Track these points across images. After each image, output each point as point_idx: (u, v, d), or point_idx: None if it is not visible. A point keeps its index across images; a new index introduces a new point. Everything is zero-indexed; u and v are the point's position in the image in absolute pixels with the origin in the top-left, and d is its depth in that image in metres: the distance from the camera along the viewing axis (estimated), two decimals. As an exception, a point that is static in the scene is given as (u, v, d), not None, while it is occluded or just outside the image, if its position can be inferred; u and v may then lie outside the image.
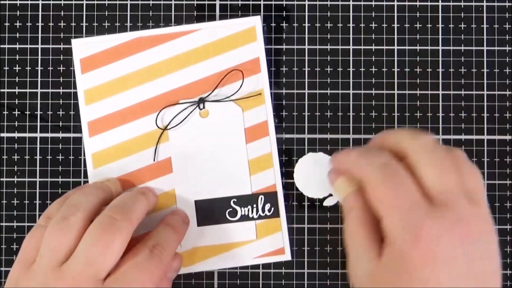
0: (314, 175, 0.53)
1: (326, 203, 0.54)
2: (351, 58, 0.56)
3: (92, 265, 0.44)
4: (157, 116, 0.55)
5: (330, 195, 0.54)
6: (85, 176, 0.55)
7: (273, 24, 0.57)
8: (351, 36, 0.56)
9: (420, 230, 0.38)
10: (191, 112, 0.55)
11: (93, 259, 0.44)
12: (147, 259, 0.46)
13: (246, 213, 0.53)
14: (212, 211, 0.54)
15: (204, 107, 0.55)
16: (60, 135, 0.56)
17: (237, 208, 0.54)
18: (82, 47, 0.56)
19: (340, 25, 0.56)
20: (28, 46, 0.56)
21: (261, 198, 0.53)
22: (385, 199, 0.40)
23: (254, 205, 0.53)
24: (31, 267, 0.45)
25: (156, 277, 0.46)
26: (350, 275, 0.42)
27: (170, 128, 0.55)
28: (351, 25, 0.57)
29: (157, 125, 0.54)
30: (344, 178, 0.45)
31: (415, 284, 0.37)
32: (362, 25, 0.56)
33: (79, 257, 0.44)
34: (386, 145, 0.44)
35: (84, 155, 0.56)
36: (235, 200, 0.53)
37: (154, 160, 0.55)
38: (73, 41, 0.56)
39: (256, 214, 0.54)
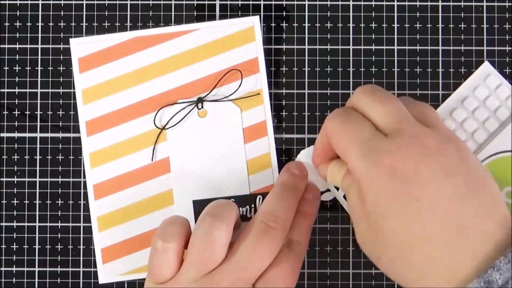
0: (313, 167, 0.52)
1: (324, 197, 0.53)
2: (351, 58, 0.55)
3: (247, 271, 0.43)
4: (155, 115, 0.53)
5: (328, 190, 0.52)
6: (85, 176, 0.54)
7: (273, 24, 0.55)
8: (351, 36, 0.55)
9: (380, 157, 0.39)
10: (190, 112, 0.53)
11: (248, 266, 0.43)
12: (287, 258, 0.45)
13: (244, 213, 0.52)
14: (210, 211, 0.53)
15: (202, 107, 0.53)
16: (60, 135, 0.54)
17: (236, 205, 0.51)
18: (80, 47, 0.54)
19: (340, 25, 0.55)
20: (28, 46, 0.55)
21: (259, 198, 0.52)
22: (343, 141, 0.41)
23: (252, 205, 0.52)
24: (175, 277, 0.44)
25: (297, 273, 0.45)
26: (361, 246, 0.43)
27: (168, 128, 0.53)
28: (351, 25, 0.55)
29: (155, 124, 0.53)
30: (333, 164, 0.45)
31: (400, 206, 0.38)
32: (362, 25, 0.55)
33: (233, 264, 0.43)
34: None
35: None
36: (233, 200, 0.51)
37: (152, 160, 0.53)
38: (71, 40, 0.54)
39: (255, 214, 0.51)
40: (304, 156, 0.52)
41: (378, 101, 0.41)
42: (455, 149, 0.39)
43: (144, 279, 0.47)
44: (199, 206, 0.51)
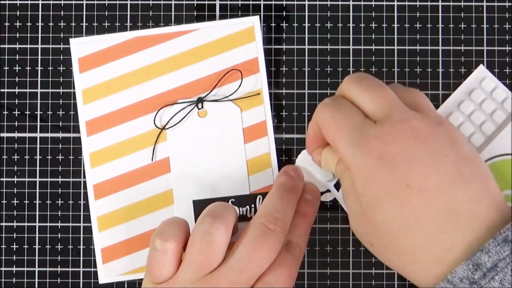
0: (314, 167, 0.52)
1: (324, 198, 0.52)
2: (351, 58, 0.54)
3: (246, 273, 0.42)
4: (155, 115, 0.53)
5: (328, 190, 0.52)
6: (85, 176, 0.53)
7: (273, 24, 0.55)
8: (351, 36, 0.55)
9: (368, 143, 0.39)
10: (190, 111, 0.53)
11: (247, 268, 0.42)
12: (285, 260, 0.44)
13: (244, 213, 0.51)
14: (210, 211, 0.52)
15: (202, 107, 0.53)
16: (60, 135, 0.54)
17: (235, 208, 0.51)
18: (80, 47, 0.54)
19: (340, 25, 0.55)
20: (28, 46, 0.55)
21: (259, 198, 0.51)
22: (332, 129, 0.41)
23: (252, 205, 0.51)
24: (173, 278, 0.44)
25: (295, 274, 0.45)
26: (355, 232, 0.43)
27: (168, 128, 0.53)
28: (351, 25, 0.55)
29: (155, 124, 0.53)
30: (326, 151, 0.45)
31: (389, 193, 0.38)
32: (362, 25, 0.55)
33: (232, 266, 0.43)
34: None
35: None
36: (233, 200, 0.51)
37: (152, 160, 0.53)
38: (71, 40, 0.54)
39: (255, 214, 0.51)
40: (304, 157, 0.52)
41: (366, 89, 0.41)
42: (446, 133, 0.39)
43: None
44: (199, 206, 0.51)
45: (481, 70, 0.53)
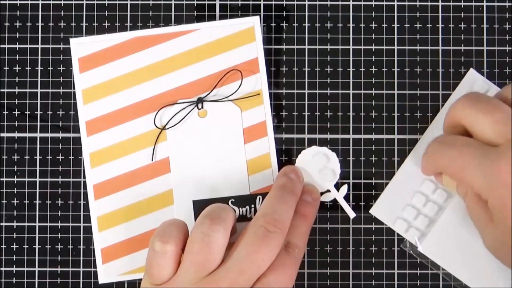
0: (314, 167, 0.52)
1: (324, 198, 0.52)
2: (351, 58, 0.54)
3: (245, 274, 0.43)
4: (156, 115, 0.53)
5: (328, 191, 0.52)
6: (85, 176, 0.53)
7: (273, 24, 0.54)
8: (351, 36, 0.54)
9: (500, 168, 0.39)
10: (190, 112, 0.53)
11: (247, 269, 0.43)
12: (285, 261, 0.45)
13: (244, 213, 0.51)
14: (210, 211, 0.53)
15: (202, 107, 0.53)
16: (60, 135, 0.54)
17: (235, 208, 0.52)
18: (81, 46, 0.53)
19: (340, 25, 0.54)
20: (28, 46, 0.54)
21: (259, 198, 0.51)
22: (456, 167, 0.42)
23: (252, 206, 0.51)
24: (172, 279, 0.44)
25: (294, 275, 0.45)
26: (494, 254, 0.44)
27: (168, 128, 0.53)
28: (351, 25, 0.54)
29: (155, 124, 0.53)
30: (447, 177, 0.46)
31: None
32: (362, 25, 0.54)
33: (232, 267, 0.43)
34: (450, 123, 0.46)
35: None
36: (233, 200, 0.51)
37: (152, 160, 0.53)
38: (71, 40, 0.54)
39: (254, 214, 0.51)
40: (304, 157, 0.52)
41: (484, 111, 0.41)
42: None
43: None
44: (199, 206, 0.51)
45: (472, 74, 0.52)
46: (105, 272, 0.52)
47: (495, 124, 0.40)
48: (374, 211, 0.52)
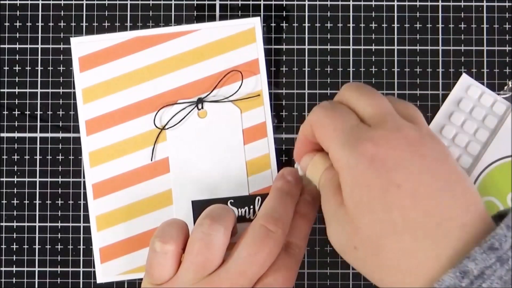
0: None
1: None
2: (351, 58, 0.54)
3: (246, 275, 0.42)
4: (155, 115, 0.53)
5: None
6: (85, 176, 0.53)
7: (273, 24, 0.54)
8: (351, 36, 0.54)
9: (362, 145, 0.38)
10: (190, 112, 0.52)
11: (247, 270, 0.42)
12: (285, 262, 0.45)
13: (243, 214, 0.51)
14: (209, 212, 0.52)
15: (202, 108, 0.53)
16: (60, 135, 0.54)
17: (234, 209, 0.52)
18: (81, 46, 0.53)
19: (340, 25, 0.54)
20: (28, 46, 0.54)
21: (258, 199, 0.51)
22: (327, 129, 0.41)
23: (251, 206, 0.51)
24: (173, 279, 0.44)
25: (295, 276, 0.45)
26: (335, 241, 0.41)
27: (168, 128, 0.53)
28: (351, 25, 0.54)
29: (155, 124, 0.53)
30: (318, 156, 0.45)
31: (381, 193, 0.37)
32: (362, 25, 0.54)
33: (233, 268, 0.43)
34: None
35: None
36: (232, 201, 0.51)
37: (151, 160, 0.53)
38: (72, 39, 0.53)
39: (253, 215, 0.52)
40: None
41: (364, 95, 0.41)
42: (437, 146, 0.39)
43: (142, 279, 0.47)
44: (198, 206, 0.51)
45: (465, 79, 0.52)
46: (104, 272, 0.52)
47: (371, 106, 0.40)
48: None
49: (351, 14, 0.54)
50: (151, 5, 0.54)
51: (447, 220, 0.36)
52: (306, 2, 0.54)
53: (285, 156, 0.53)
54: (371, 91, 0.42)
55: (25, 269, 0.53)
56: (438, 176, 0.38)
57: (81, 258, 0.53)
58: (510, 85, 0.53)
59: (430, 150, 0.38)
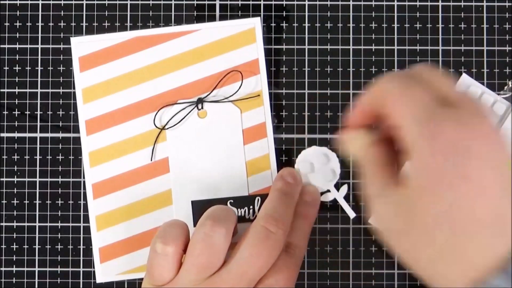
0: (314, 168, 0.52)
1: (324, 198, 0.52)
2: (351, 58, 0.54)
3: (247, 276, 0.42)
4: (155, 115, 0.52)
5: (328, 191, 0.52)
6: (85, 176, 0.53)
7: (273, 24, 0.54)
8: (351, 36, 0.54)
9: (439, 124, 0.35)
10: (190, 112, 0.52)
11: (248, 271, 0.42)
12: (286, 262, 0.45)
13: (243, 214, 0.51)
14: (209, 212, 0.52)
15: (202, 108, 0.52)
16: (60, 135, 0.54)
17: (234, 209, 0.52)
18: (81, 45, 0.53)
19: (340, 25, 0.54)
20: (28, 46, 0.54)
21: (258, 199, 0.51)
22: (404, 100, 0.36)
23: (251, 207, 0.51)
24: (174, 280, 0.44)
25: (296, 276, 0.45)
26: (378, 225, 0.39)
27: (168, 128, 0.52)
28: (351, 25, 0.54)
29: (155, 124, 0.52)
30: (361, 131, 0.41)
31: (450, 182, 0.34)
32: (362, 25, 0.54)
33: (234, 269, 0.43)
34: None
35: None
36: (232, 201, 0.51)
37: (151, 160, 0.52)
38: (72, 39, 0.53)
39: (253, 215, 0.52)
40: (303, 157, 0.52)
41: (449, 77, 0.38)
42: (502, 141, 0.36)
43: (141, 278, 0.46)
44: (197, 206, 0.51)
45: (465, 79, 0.52)
46: (103, 272, 0.52)
47: (451, 85, 0.38)
48: (373, 220, 0.52)
49: (351, 14, 0.54)
50: (151, 5, 0.54)
51: (508, 218, 0.34)
52: (306, 2, 0.54)
53: (285, 156, 0.53)
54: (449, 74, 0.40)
55: (25, 269, 0.53)
56: (504, 170, 0.35)
57: (81, 258, 0.53)
58: (510, 85, 0.53)
59: (500, 143, 0.35)
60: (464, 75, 0.52)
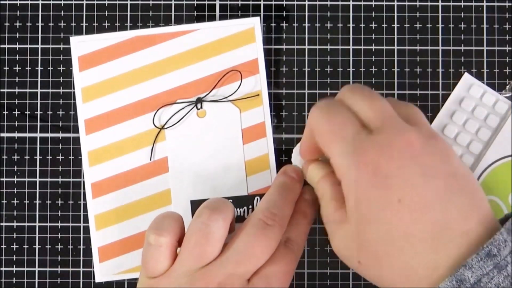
0: None
1: None
2: (351, 58, 0.53)
3: (242, 266, 0.42)
4: (154, 115, 0.52)
5: None
6: (84, 175, 0.52)
7: (273, 24, 0.54)
8: (351, 36, 0.54)
9: (363, 156, 0.38)
10: (189, 112, 0.52)
11: (244, 261, 0.42)
12: (283, 256, 0.44)
13: (242, 214, 0.51)
14: (208, 212, 0.52)
15: (201, 107, 0.52)
16: (60, 135, 0.53)
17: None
18: (81, 45, 0.53)
19: (340, 25, 0.54)
20: (28, 46, 0.54)
21: (257, 199, 0.51)
22: (326, 135, 0.40)
23: (250, 206, 0.51)
24: (169, 271, 0.43)
25: (293, 271, 0.45)
26: (338, 253, 0.42)
27: (167, 128, 0.52)
28: (351, 25, 0.54)
29: (154, 124, 0.52)
30: (314, 165, 0.45)
31: (384, 199, 0.37)
32: (362, 25, 0.54)
33: (229, 259, 0.42)
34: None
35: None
36: (231, 200, 0.50)
37: (150, 159, 0.52)
38: (71, 38, 0.53)
39: None
40: (297, 153, 0.51)
41: (366, 97, 0.40)
42: (438, 147, 0.39)
43: (141, 278, 0.46)
44: (196, 206, 0.50)
45: (467, 78, 0.52)
46: (102, 271, 0.52)
47: (372, 110, 0.40)
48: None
49: (351, 14, 0.54)
50: (151, 5, 0.54)
51: (447, 230, 0.36)
52: (306, 2, 0.54)
53: (285, 156, 0.53)
54: (372, 93, 0.41)
55: (25, 269, 0.53)
56: (438, 183, 0.37)
57: (81, 258, 0.53)
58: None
59: (431, 153, 0.38)
60: (466, 74, 0.52)
